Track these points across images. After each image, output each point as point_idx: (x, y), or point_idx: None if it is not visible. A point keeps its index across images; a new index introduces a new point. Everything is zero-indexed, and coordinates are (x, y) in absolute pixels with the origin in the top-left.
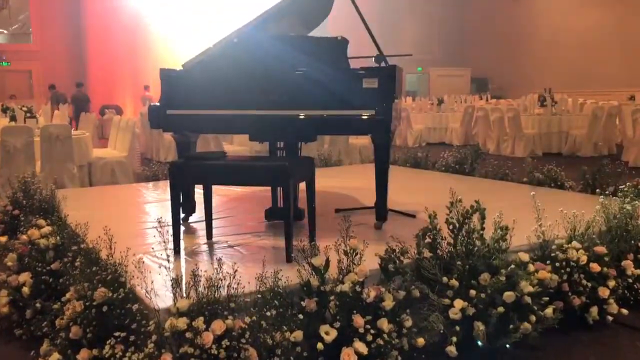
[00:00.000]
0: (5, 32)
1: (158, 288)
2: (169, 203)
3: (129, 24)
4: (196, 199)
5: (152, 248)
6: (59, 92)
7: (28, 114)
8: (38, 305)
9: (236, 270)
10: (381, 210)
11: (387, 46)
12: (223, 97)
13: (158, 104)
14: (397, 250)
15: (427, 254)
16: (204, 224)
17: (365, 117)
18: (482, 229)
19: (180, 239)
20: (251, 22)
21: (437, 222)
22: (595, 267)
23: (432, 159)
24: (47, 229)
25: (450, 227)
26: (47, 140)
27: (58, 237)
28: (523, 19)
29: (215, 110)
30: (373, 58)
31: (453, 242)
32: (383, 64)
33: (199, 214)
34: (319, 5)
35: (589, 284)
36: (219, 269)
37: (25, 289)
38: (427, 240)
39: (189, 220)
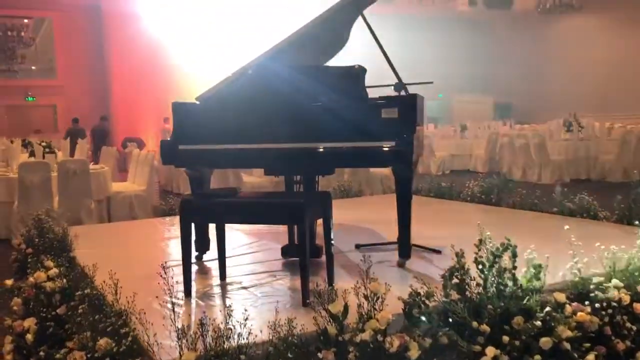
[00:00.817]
0: (33, 68)
1: (163, 338)
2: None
3: (151, 57)
4: (211, 236)
5: (157, 297)
6: (78, 127)
7: (47, 149)
8: (42, 353)
9: (247, 318)
10: (404, 247)
11: (408, 74)
12: (237, 131)
13: (171, 138)
14: (422, 294)
15: (455, 296)
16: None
17: (386, 148)
18: (514, 267)
19: (191, 281)
20: (266, 53)
21: (464, 261)
22: (639, 307)
23: (457, 189)
24: (54, 271)
25: (480, 266)
26: (65, 176)
27: (65, 280)
28: (546, 43)
29: (229, 145)
30: (392, 87)
31: (483, 282)
32: (403, 93)
33: (213, 251)
34: (335, 34)
35: (634, 327)
36: (229, 317)
37: (29, 336)
38: (455, 280)
39: (203, 259)
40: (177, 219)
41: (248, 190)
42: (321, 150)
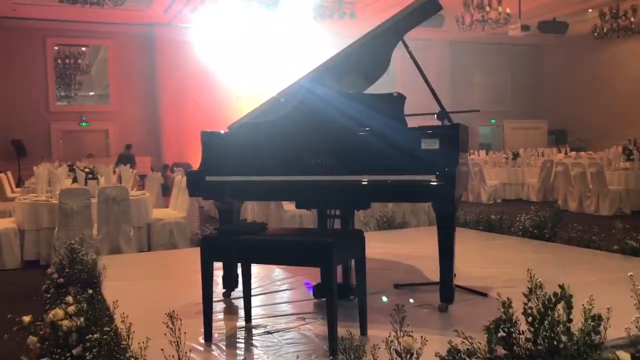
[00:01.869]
0: (91, 94)
1: None
2: (219, 272)
3: (199, 82)
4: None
5: (162, 350)
6: (130, 154)
7: (90, 176)
8: None
9: None
10: (446, 289)
11: (459, 99)
12: (267, 162)
13: (198, 169)
14: (462, 351)
15: (500, 351)
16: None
17: (426, 183)
18: (569, 320)
19: (211, 325)
20: (303, 78)
21: (513, 311)
22: None
23: (508, 221)
24: (72, 308)
25: (530, 319)
26: (105, 203)
27: (83, 318)
28: (603, 68)
29: (258, 177)
30: (435, 115)
31: (533, 337)
32: (446, 122)
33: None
34: (376, 58)
35: None
36: None
37: None
38: (501, 334)
39: (232, 296)
40: None
41: (278, 227)
42: (354, 183)
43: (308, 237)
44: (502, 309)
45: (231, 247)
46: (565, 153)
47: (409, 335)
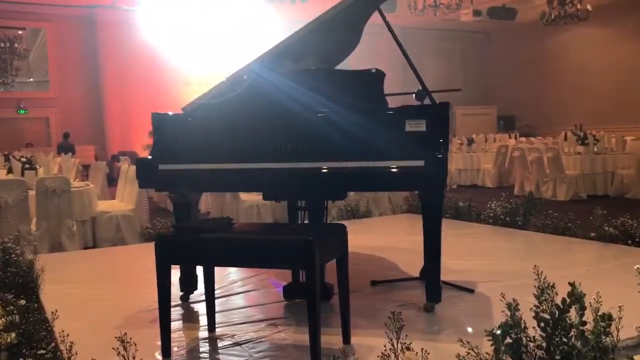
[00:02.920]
0: (31, 80)
1: None
2: (176, 271)
3: (144, 67)
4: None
5: None
6: (68, 143)
7: (27, 166)
8: None
9: None
10: (434, 287)
11: (410, 85)
12: (230, 148)
13: (149, 157)
14: None
15: None
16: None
17: (412, 170)
18: (583, 323)
19: (169, 338)
20: (262, 56)
21: (520, 314)
22: None
23: (476, 209)
24: (1, 322)
25: (542, 324)
26: (44, 195)
27: (14, 335)
28: (550, 54)
29: (221, 165)
30: (413, 95)
31: (546, 344)
32: (427, 102)
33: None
34: (343, 35)
35: None
36: None
37: None
38: (508, 340)
39: (190, 299)
40: None
41: (243, 222)
42: (329, 171)
43: (284, 234)
44: (509, 311)
45: (192, 248)
46: (515, 138)
47: (409, 349)
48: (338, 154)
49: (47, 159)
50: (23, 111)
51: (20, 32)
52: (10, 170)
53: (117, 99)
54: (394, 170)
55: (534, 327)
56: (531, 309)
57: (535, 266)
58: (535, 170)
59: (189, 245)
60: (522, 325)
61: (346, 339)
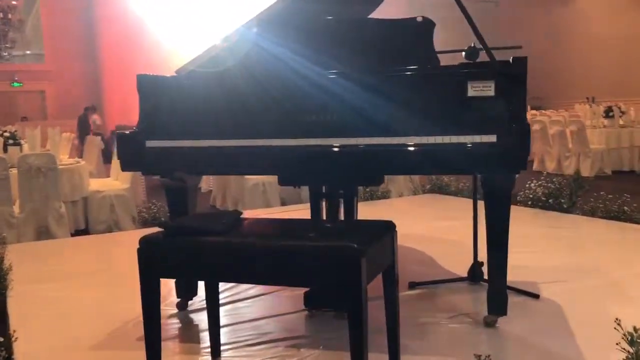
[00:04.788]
0: (28, 52)
1: None
2: None
3: (145, 39)
4: None
5: None
6: (87, 118)
7: (10, 141)
8: None
9: None
10: (499, 296)
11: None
12: (237, 120)
13: (134, 129)
14: None
15: None
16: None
17: (477, 147)
18: None
19: None
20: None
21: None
22: None
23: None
24: None
25: None
26: (27, 173)
27: None
28: (559, 24)
29: (227, 141)
30: (463, 53)
31: None
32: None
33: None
34: None
35: None
36: None
37: None
38: None
39: (189, 307)
40: None
41: (256, 218)
42: (366, 148)
43: (316, 238)
44: (628, 342)
45: (187, 257)
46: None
47: None
48: (376, 127)
49: (34, 134)
50: (17, 84)
51: (14, 2)
52: None
53: (115, 70)
54: (457, 147)
55: None
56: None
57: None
58: (557, 144)
59: (181, 253)
60: None
61: None
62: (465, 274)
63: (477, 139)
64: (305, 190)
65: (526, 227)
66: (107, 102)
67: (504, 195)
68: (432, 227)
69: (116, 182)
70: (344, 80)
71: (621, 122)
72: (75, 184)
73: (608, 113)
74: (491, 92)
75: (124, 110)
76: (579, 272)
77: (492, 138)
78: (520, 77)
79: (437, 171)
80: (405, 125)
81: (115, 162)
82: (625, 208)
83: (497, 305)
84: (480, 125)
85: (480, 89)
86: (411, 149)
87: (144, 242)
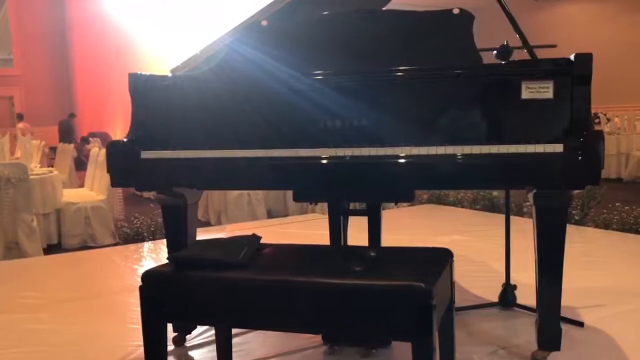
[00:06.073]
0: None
1: None
2: None
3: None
4: None
5: None
6: (70, 125)
7: None
8: None
9: None
10: (553, 329)
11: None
12: (251, 127)
13: (125, 139)
14: None
15: None
16: (213, 346)
17: (539, 159)
18: None
19: None
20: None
21: None
22: None
23: (515, 200)
24: None
25: None
26: None
27: None
28: (544, 32)
29: (237, 151)
30: (494, 52)
31: None
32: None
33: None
34: None
35: None
36: None
37: None
38: None
39: (188, 341)
40: (148, 247)
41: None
42: (404, 160)
43: (367, 273)
44: None
45: (203, 299)
46: None
47: None
48: (414, 135)
49: (1, 142)
50: None
51: None
52: None
53: (88, 75)
54: (504, 160)
55: None
56: None
57: None
58: None
59: (195, 292)
60: None
61: None
62: (494, 299)
63: (540, 148)
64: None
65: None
66: (80, 108)
67: (561, 213)
68: (440, 243)
69: (91, 192)
70: (372, 82)
71: (607, 130)
72: (47, 195)
73: (594, 120)
74: (549, 94)
75: (98, 117)
76: (616, 294)
77: (558, 148)
78: (585, 78)
79: (483, 185)
80: (446, 132)
81: (91, 172)
82: None
83: (550, 340)
84: (540, 132)
85: (537, 90)
86: (460, 160)
87: (148, 278)
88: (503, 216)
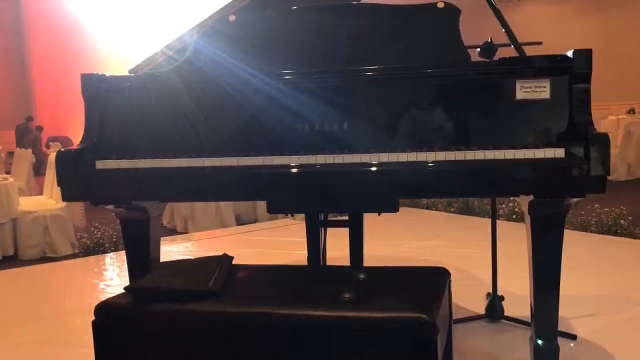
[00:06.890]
0: None
1: None
2: None
3: (79, 42)
4: None
5: None
6: (28, 128)
7: None
8: None
9: None
10: (549, 348)
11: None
12: (220, 132)
13: (78, 147)
14: None
15: None
16: None
17: (543, 162)
18: None
19: None
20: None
21: None
22: None
23: (488, 201)
24: None
25: None
26: None
27: None
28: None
29: (205, 159)
30: (478, 49)
31: None
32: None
33: None
34: None
35: None
36: None
37: None
38: None
39: None
40: (111, 258)
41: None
42: (385, 167)
43: (359, 302)
44: None
45: (165, 338)
46: None
47: None
48: (399, 140)
49: None
50: None
51: None
52: None
53: (47, 75)
54: (498, 165)
55: None
56: None
57: None
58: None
59: (159, 329)
60: None
61: None
62: (480, 310)
63: (540, 153)
64: (261, 206)
65: (516, 246)
66: (38, 112)
67: (560, 222)
68: (420, 249)
69: (50, 200)
70: (351, 82)
71: None
72: (2, 204)
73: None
74: (546, 94)
75: (58, 121)
76: (606, 302)
77: (559, 153)
78: (584, 75)
79: (476, 194)
80: (434, 137)
81: (50, 179)
82: (622, 222)
83: (547, 358)
84: (537, 136)
85: (532, 89)
86: (445, 167)
87: (102, 311)
88: (479, 219)
